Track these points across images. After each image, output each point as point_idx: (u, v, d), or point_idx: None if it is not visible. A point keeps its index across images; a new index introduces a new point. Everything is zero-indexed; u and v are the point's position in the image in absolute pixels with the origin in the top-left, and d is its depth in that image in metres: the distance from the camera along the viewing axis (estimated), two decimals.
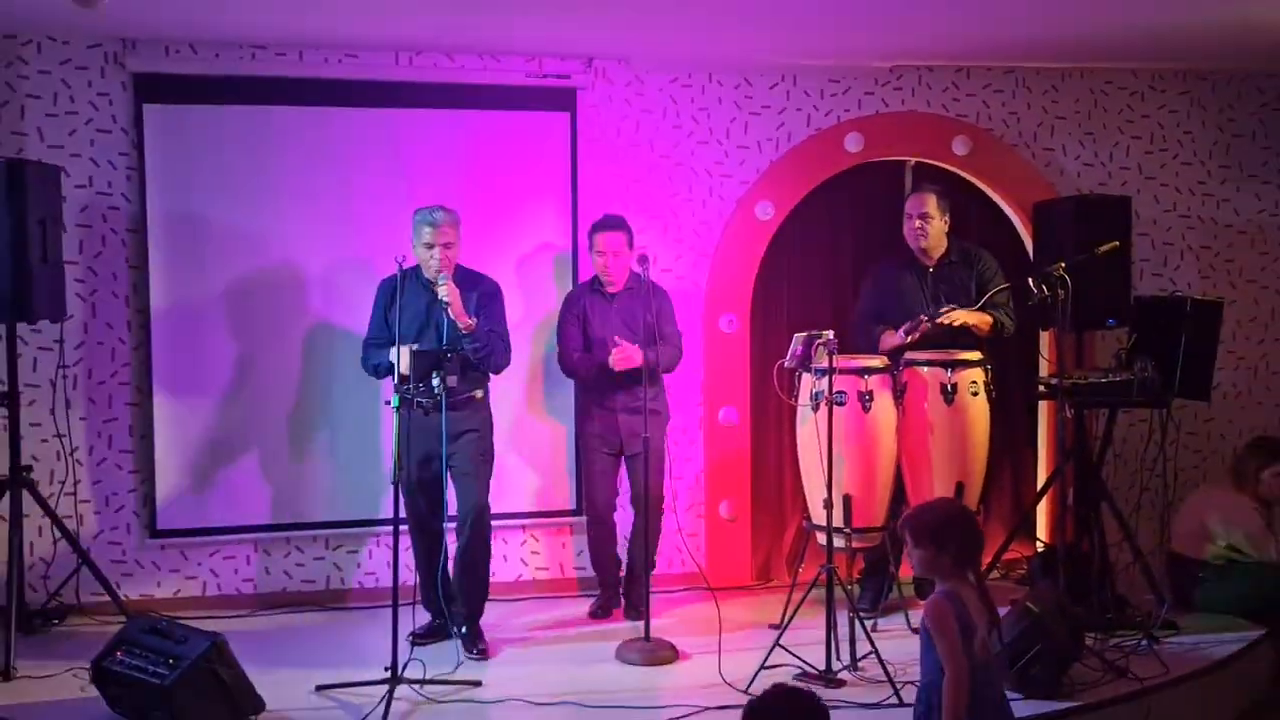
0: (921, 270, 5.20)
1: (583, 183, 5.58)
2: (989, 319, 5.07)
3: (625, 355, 4.87)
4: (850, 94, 5.80)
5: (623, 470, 5.21)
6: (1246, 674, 4.72)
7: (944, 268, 5.20)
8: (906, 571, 5.45)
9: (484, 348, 4.63)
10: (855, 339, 5.16)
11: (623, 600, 5.28)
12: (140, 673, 3.82)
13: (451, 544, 4.84)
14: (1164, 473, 5.18)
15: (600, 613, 5.24)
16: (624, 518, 5.31)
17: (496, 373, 4.83)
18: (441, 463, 4.65)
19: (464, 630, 4.71)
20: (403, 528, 4.47)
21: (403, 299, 4.53)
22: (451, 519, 4.83)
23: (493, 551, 4.91)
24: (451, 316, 4.55)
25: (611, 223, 5.08)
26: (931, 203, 5.12)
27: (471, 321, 4.58)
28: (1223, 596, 5.16)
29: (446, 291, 4.53)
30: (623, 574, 5.30)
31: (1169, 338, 5.13)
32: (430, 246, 4.61)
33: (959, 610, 3.18)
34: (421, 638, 4.72)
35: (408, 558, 4.77)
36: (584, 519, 5.62)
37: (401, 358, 4.40)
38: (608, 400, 5.08)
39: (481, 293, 4.73)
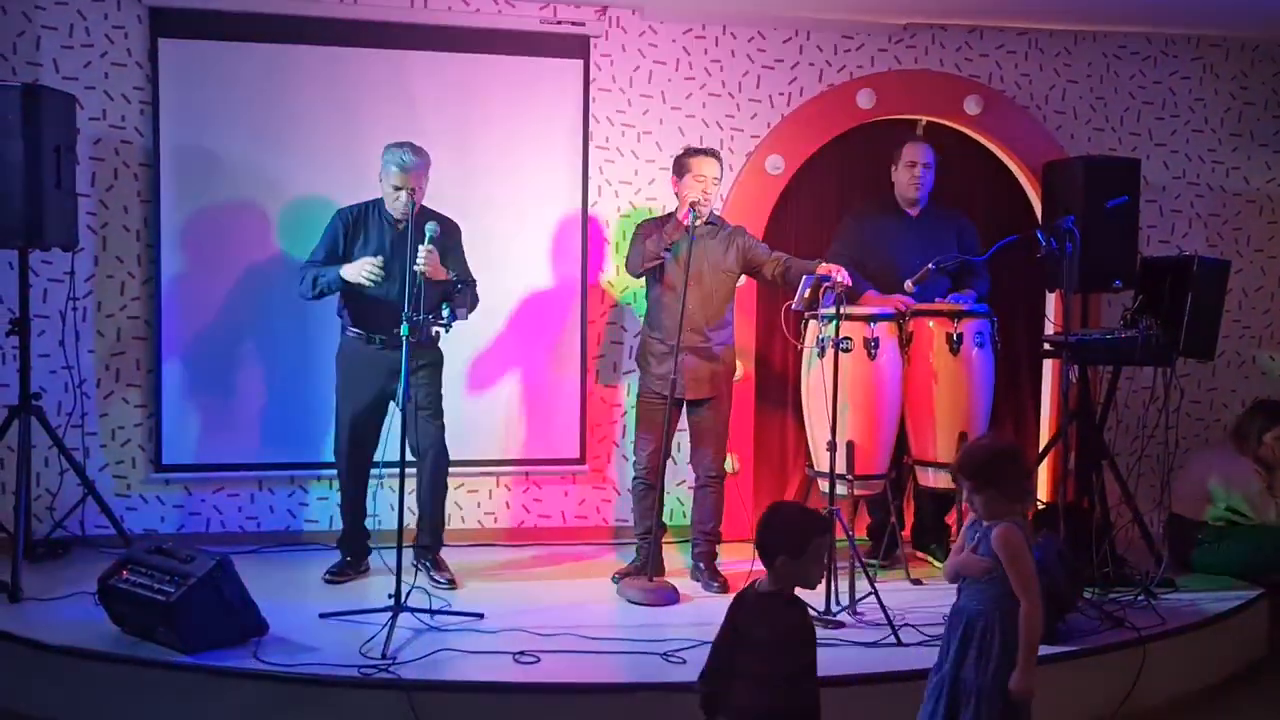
0: (904, 219, 5.23)
1: (594, 131, 5.59)
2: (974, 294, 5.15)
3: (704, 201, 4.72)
4: (863, 50, 5.81)
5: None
6: (1244, 631, 4.74)
7: (926, 218, 5.24)
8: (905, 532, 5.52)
9: (460, 299, 4.63)
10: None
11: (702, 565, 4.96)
12: (146, 590, 3.85)
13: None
14: (1165, 435, 5.19)
15: (643, 572, 4.78)
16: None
17: (464, 318, 4.73)
18: (397, 399, 4.53)
19: (428, 561, 4.84)
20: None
21: (366, 232, 4.64)
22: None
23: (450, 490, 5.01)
24: (427, 273, 4.47)
25: (714, 150, 4.92)
26: (930, 153, 5.20)
27: (449, 277, 4.59)
28: (1220, 558, 5.19)
29: (425, 259, 4.44)
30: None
31: (1175, 298, 5.13)
32: (398, 189, 4.60)
33: (1029, 538, 3.12)
34: (336, 576, 4.83)
35: (412, 500, 4.80)
36: (586, 468, 5.67)
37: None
38: (670, 338, 4.74)
39: (446, 235, 4.67)
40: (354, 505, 4.88)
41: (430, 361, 4.79)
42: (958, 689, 3.13)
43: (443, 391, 4.87)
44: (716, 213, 5.01)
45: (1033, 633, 3.06)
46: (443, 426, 4.84)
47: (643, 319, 5.11)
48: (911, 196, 5.21)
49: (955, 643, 3.17)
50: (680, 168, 4.91)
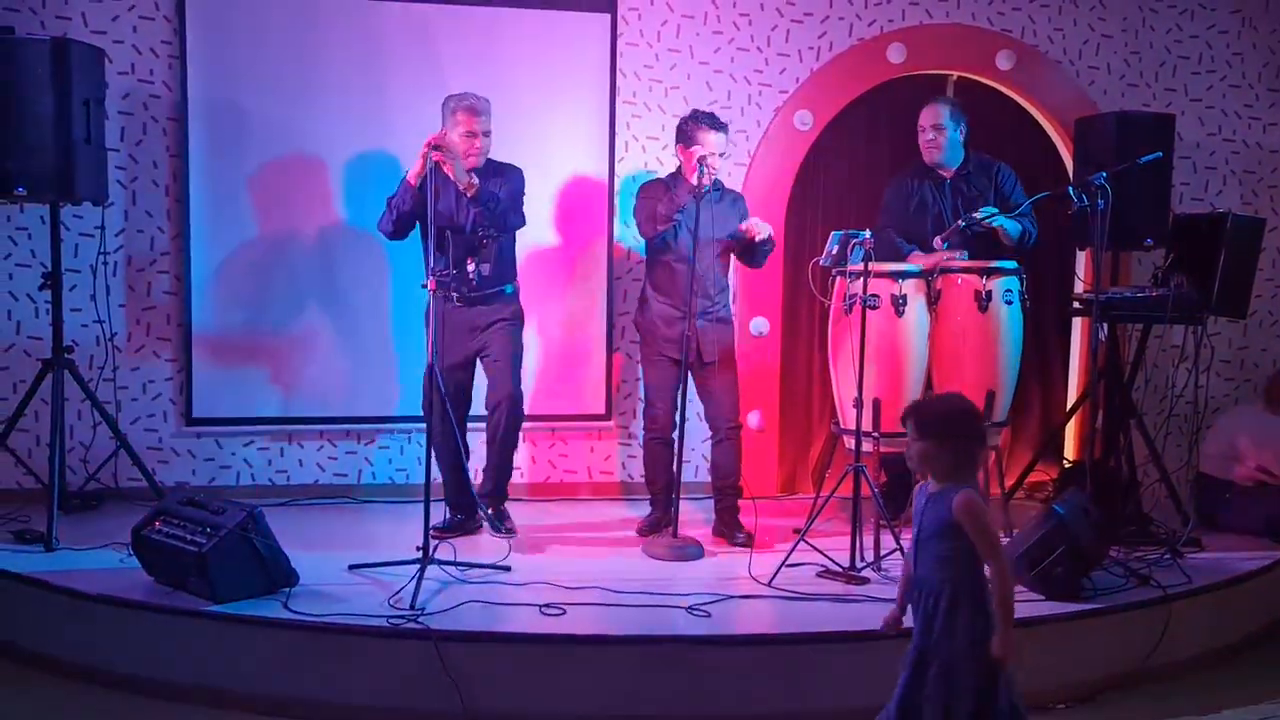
0: (939, 181, 5.17)
1: (621, 86, 5.56)
2: (1018, 225, 5.06)
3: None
4: (894, 4, 5.74)
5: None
6: (1270, 590, 4.73)
7: (961, 178, 5.16)
8: None
9: (493, 207, 4.57)
10: (877, 250, 5.06)
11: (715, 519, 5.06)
12: (178, 540, 3.90)
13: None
14: (1194, 394, 5.15)
15: (651, 531, 4.96)
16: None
17: (510, 230, 4.76)
18: (474, 355, 4.75)
19: (489, 511, 4.86)
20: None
21: (437, 190, 4.48)
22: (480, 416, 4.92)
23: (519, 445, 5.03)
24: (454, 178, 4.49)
25: (722, 123, 4.84)
26: (944, 114, 5.09)
27: (471, 181, 4.54)
28: (1249, 517, 5.16)
29: (450, 164, 4.45)
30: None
31: (1207, 256, 5.07)
32: (473, 135, 4.59)
33: (986, 501, 3.09)
34: (444, 532, 4.76)
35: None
36: (611, 424, 5.69)
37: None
38: (681, 305, 4.77)
39: (507, 179, 4.72)
40: (454, 462, 4.82)
41: (508, 318, 4.81)
42: (926, 659, 3.00)
43: (520, 345, 4.88)
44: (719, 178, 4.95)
45: (1008, 595, 2.95)
46: (517, 381, 4.84)
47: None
48: (931, 160, 5.14)
49: (921, 614, 3.03)
50: (688, 138, 4.82)
